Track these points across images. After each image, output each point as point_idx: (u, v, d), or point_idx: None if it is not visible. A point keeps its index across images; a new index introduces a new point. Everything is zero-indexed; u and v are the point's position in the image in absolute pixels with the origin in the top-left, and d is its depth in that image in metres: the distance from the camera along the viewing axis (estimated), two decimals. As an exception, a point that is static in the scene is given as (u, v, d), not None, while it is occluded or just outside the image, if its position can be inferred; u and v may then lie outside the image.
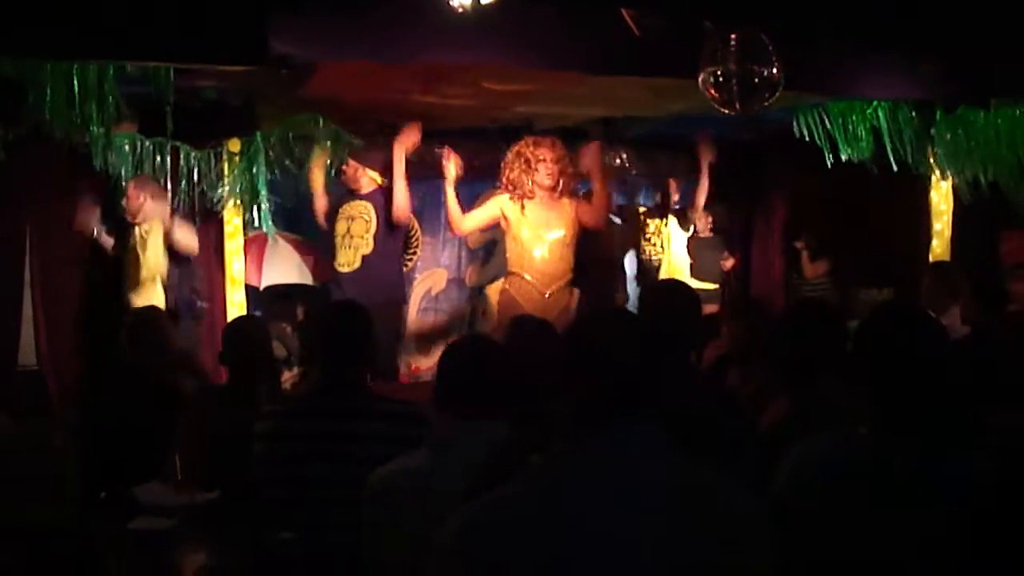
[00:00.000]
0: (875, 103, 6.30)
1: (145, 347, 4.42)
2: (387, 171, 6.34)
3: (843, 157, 6.32)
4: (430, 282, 7.59)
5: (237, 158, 6.13)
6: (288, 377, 6.39)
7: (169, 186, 6.00)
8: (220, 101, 5.81)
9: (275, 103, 5.98)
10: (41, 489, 3.91)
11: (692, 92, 4.99)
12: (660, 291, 3.67)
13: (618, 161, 7.88)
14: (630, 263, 8.04)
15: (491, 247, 7.15)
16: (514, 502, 1.65)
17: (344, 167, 6.22)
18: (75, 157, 5.45)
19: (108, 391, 4.34)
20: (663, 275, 7.43)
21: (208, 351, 5.94)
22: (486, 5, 4.31)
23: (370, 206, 6.24)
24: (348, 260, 6.17)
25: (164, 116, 5.03)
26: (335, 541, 2.83)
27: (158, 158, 5.94)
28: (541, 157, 6.00)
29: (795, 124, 6.32)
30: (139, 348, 4.43)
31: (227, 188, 6.13)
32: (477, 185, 7.19)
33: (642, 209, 7.95)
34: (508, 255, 6.16)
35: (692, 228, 7.75)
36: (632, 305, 7.05)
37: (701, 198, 7.47)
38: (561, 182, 6.07)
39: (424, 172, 7.25)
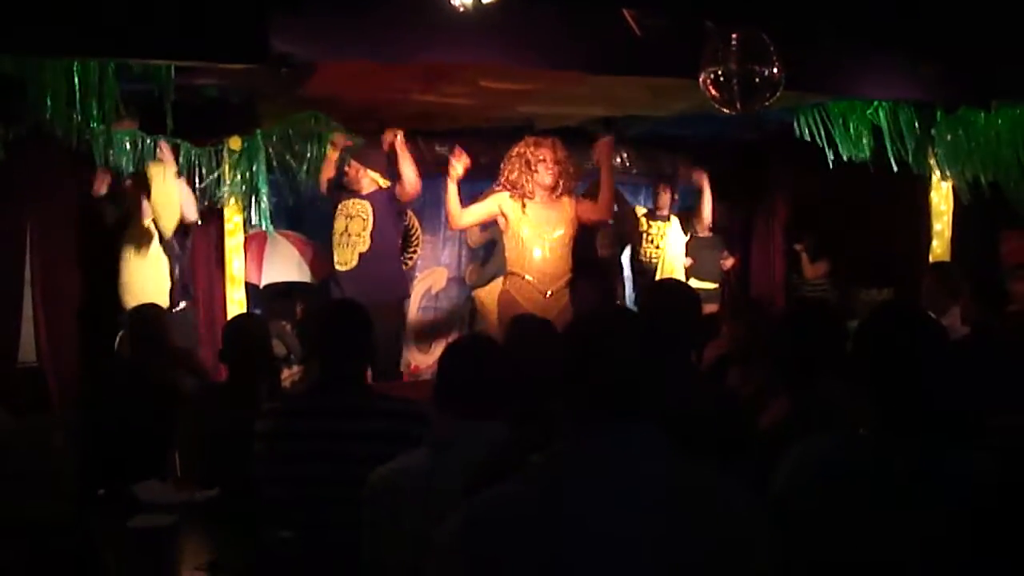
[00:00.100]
0: (876, 103, 6.30)
1: (145, 345, 4.42)
2: (388, 171, 6.35)
3: (844, 157, 6.33)
4: (430, 280, 7.59)
5: (237, 156, 6.13)
6: (288, 375, 6.40)
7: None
8: (221, 99, 5.82)
9: (276, 101, 5.98)
10: (40, 486, 3.91)
11: (693, 92, 4.99)
12: (660, 291, 3.67)
13: (618, 160, 7.89)
14: (626, 262, 8.03)
15: (491, 247, 7.15)
16: (514, 501, 1.65)
17: (346, 168, 6.22)
18: (76, 155, 5.45)
19: (108, 388, 4.34)
20: (660, 275, 7.42)
21: (208, 349, 5.94)
22: (487, 4, 4.31)
23: (368, 205, 6.24)
24: (346, 259, 6.18)
25: (165, 114, 5.02)
26: (335, 540, 2.83)
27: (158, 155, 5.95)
28: (541, 157, 6.00)
29: (796, 124, 6.32)
30: (139, 346, 4.43)
31: (227, 186, 6.14)
32: (478, 184, 7.18)
33: (642, 210, 7.94)
34: (507, 255, 6.16)
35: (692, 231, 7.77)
36: (629, 304, 7.06)
37: (707, 210, 7.51)
38: (561, 183, 6.07)
39: (424, 170, 7.25)
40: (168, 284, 5.93)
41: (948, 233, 6.82)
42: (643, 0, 4.90)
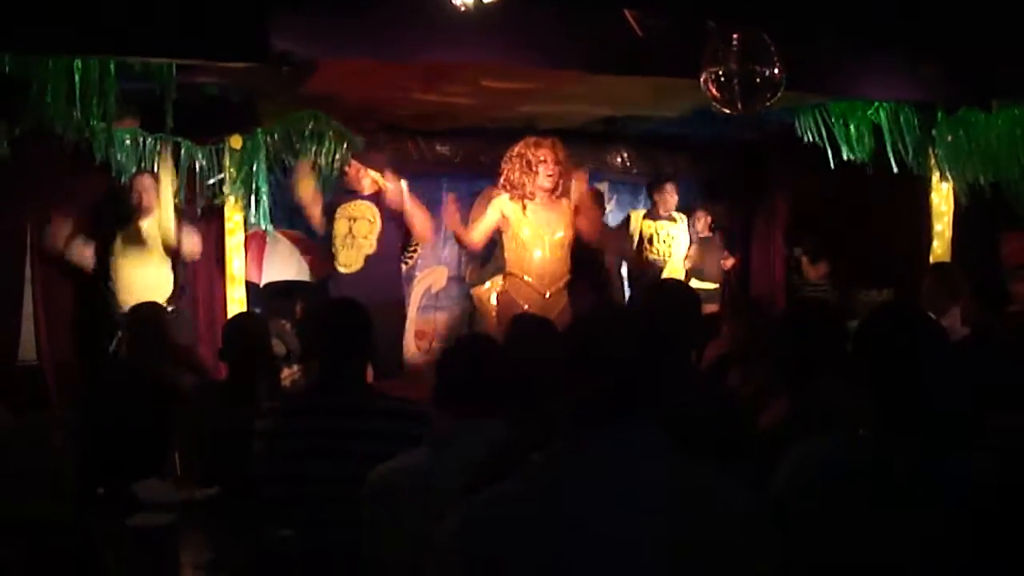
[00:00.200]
0: (876, 104, 6.30)
1: (144, 343, 4.42)
2: (388, 172, 6.35)
3: (844, 158, 6.33)
4: (430, 280, 7.59)
5: (238, 155, 6.13)
6: (288, 374, 6.39)
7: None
8: (221, 97, 5.82)
9: (276, 100, 5.99)
10: (40, 484, 3.91)
11: (694, 92, 4.99)
12: (659, 291, 3.66)
13: (619, 160, 7.88)
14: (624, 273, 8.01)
15: (491, 247, 7.15)
16: (514, 500, 1.65)
17: (346, 168, 6.21)
18: (77, 153, 5.45)
19: (107, 387, 4.33)
20: (667, 276, 7.40)
21: (208, 348, 5.94)
22: (488, 4, 4.31)
23: (373, 207, 6.23)
24: (350, 260, 6.16)
25: (165, 112, 5.02)
26: (334, 539, 2.83)
27: (159, 154, 5.95)
28: (542, 158, 5.99)
29: (796, 124, 6.32)
30: (138, 344, 4.43)
31: (228, 185, 6.14)
32: (478, 182, 7.20)
33: (640, 213, 7.90)
34: (507, 255, 6.15)
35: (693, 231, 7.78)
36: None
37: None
38: (561, 183, 6.06)
39: (424, 169, 7.26)
40: (168, 284, 5.92)
41: (948, 234, 6.82)
42: (644, 0, 4.90)
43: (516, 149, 6.06)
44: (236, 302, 6.24)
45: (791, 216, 8.09)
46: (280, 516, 2.98)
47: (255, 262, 6.76)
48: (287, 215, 6.78)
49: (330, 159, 6.24)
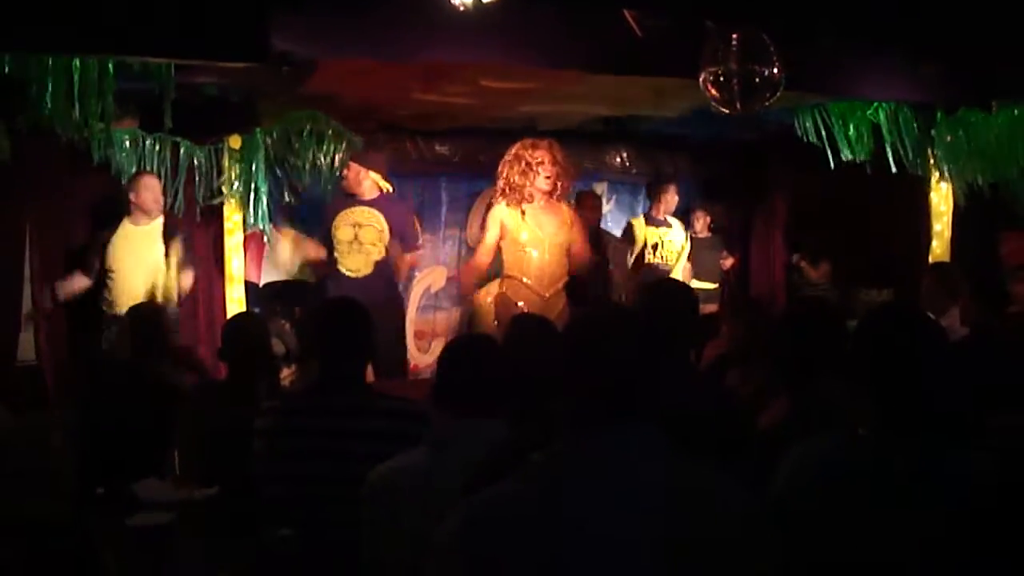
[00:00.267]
0: (876, 104, 6.30)
1: (144, 343, 4.42)
2: (388, 174, 6.36)
3: (843, 158, 6.33)
4: (430, 279, 7.59)
5: (237, 154, 6.13)
6: (286, 374, 6.39)
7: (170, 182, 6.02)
8: (220, 97, 5.81)
9: (275, 100, 5.98)
10: (39, 484, 3.91)
11: (693, 92, 4.99)
12: (658, 291, 3.66)
13: (618, 160, 7.88)
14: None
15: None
16: (513, 501, 1.65)
17: (345, 171, 6.21)
18: (76, 153, 5.45)
19: (107, 387, 4.33)
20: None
21: (207, 348, 5.94)
22: (487, 4, 4.31)
23: (378, 214, 6.25)
24: (358, 265, 6.17)
25: (164, 112, 5.02)
26: (334, 538, 2.83)
27: (158, 154, 5.95)
28: (539, 160, 5.99)
29: (796, 124, 6.32)
30: (138, 344, 4.43)
31: (227, 184, 6.14)
32: (477, 182, 7.20)
33: (639, 221, 7.85)
34: (505, 257, 6.14)
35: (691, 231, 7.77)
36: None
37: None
38: (559, 184, 6.06)
39: (423, 169, 7.26)
40: (165, 282, 5.92)
41: (948, 234, 6.82)
42: (644, 0, 4.90)
43: (513, 151, 6.06)
44: (235, 302, 6.24)
45: (790, 216, 8.10)
46: (280, 516, 2.98)
47: (254, 262, 6.75)
48: (287, 214, 6.77)
49: (329, 159, 6.24)
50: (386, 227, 6.24)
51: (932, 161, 6.55)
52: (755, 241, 8.35)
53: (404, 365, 6.84)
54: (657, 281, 5.47)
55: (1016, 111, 6.27)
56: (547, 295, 6.01)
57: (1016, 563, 1.87)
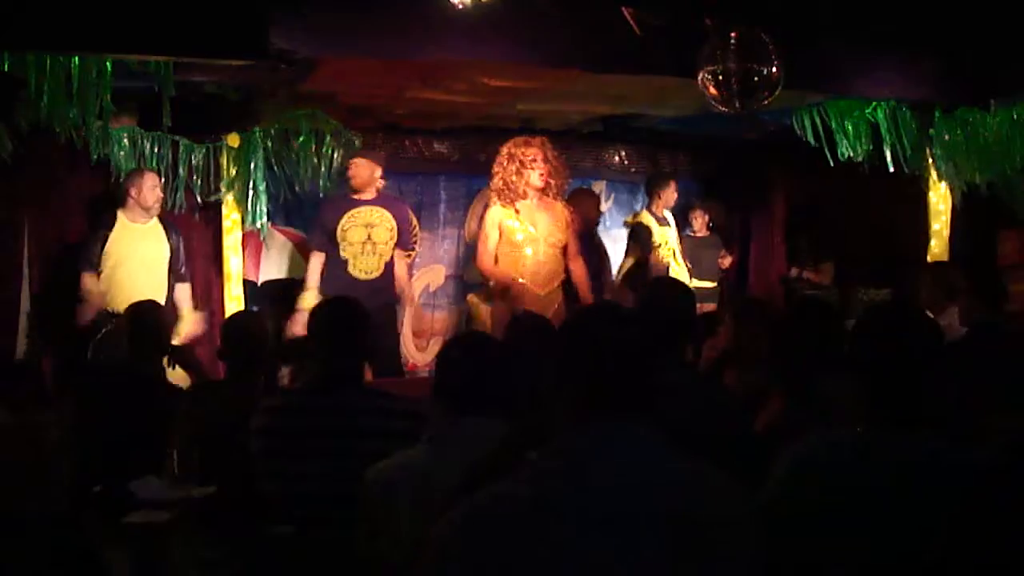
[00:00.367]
0: (874, 103, 6.30)
1: (142, 341, 4.41)
2: (386, 172, 6.36)
3: (841, 157, 6.33)
4: (428, 278, 7.58)
5: (235, 153, 6.13)
6: (285, 373, 6.38)
7: (169, 180, 6.03)
8: (219, 96, 5.81)
9: (274, 98, 5.98)
10: (37, 482, 3.90)
11: (692, 90, 4.99)
12: (655, 289, 3.66)
13: (617, 159, 7.88)
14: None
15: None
16: (511, 500, 1.65)
17: (355, 169, 6.19)
18: (74, 151, 5.44)
19: (105, 385, 4.33)
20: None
21: (205, 346, 5.94)
22: (486, 2, 4.31)
23: (387, 213, 6.24)
24: (371, 267, 6.16)
25: (163, 110, 5.02)
26: (331, 536, 2.83)
27: (157, 152, 5.95)
28: (532, 157, 5.98)
29: (794, 123, 6.32)
30: (136, 342, 4.42)
31: (225, 183, 6.14)
32: (476, 181, 7.19)
33: (645, 214, 7.84)
34: (499, 257, 6.13)
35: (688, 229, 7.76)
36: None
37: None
38: (552, 182, 6.05)
39: (423, 167, 7.25)
40: (164, 282, 5.92)
41: (946, 233, 6.82)
42: (643, -1, 4.91)
43: (506, 150, 6.04)
44: (234, 300, 6.23)
45: (788, 215, 8.10)
46: (278, 514, 2.98)
47: (253, 260, 6.75)
48: (285, 213, 6.78)
49: (328, 158, 6.25)
50: (395, 226, 6.24)
51: (930, 160, 6.55)
52: (754, 240, 8.35)
53: (401, 365, 6.84)
54: (655, 279, 5.47)
55: (1015, 110, 6.28)
56: (542, 293, 6.00)
57: (1014, 562, 1.86)
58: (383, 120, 6.79)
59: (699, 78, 4.80)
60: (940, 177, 6.63)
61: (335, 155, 6.26)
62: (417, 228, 7.44)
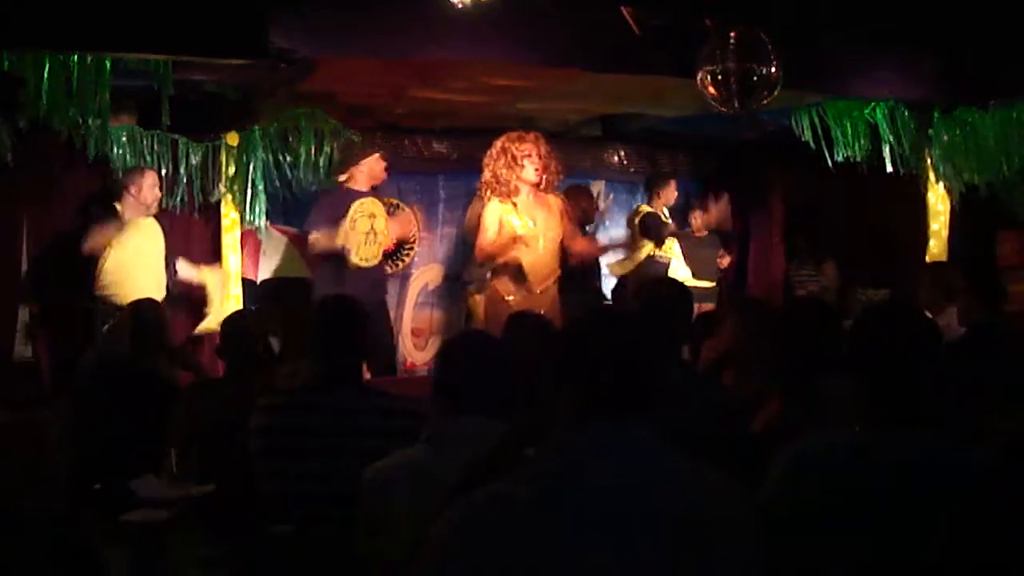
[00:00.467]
0: (873, 103, 6.30)
1: (143, 339, 4.42)
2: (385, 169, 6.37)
3: (839, 157, 6.33)
4: (427, 277, 7.58)
5: (235, 152, 6.13)
6: (283, 372, 6.38)
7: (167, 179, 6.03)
8: (218, 94, 5.81)
9: (273, 97, 5.98)
10: (36, 480, 3.90)
11: (692, 90, 5.00)
12: (652, 289, 3.67)
13: (616, 159, 7.87)
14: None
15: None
16: (509, 499, 1.65)
17: (376, 166, 6.21)
18: (73, 149, 5.45)
19: (105, 383, 4.33)
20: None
21: (204, 345, 5.94)
22: (485, 2, 4.32)
23: (380, 203, 6.26)
24: (371, 255, 6.19)
25: (162, 109, 5.02)
26: (330, 535, 2.83)
27: (156, 151, 5.95)
28: (526, 152, 5.96)
29: (793, 123, 6.32)
30: (136, 341, 4.42)
31: (224, 182, 6.14)
32: (476, 180, 7.18)
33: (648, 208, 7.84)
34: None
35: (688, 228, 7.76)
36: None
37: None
38: (545, 178, 6.05)
39: (422, 166, 7.25)
40: (163, 276, 5.93)
41: (945, 233, 6.83)
42: (643, -2, 4.91)
43: (499, 145, 6.02)
44: (232, 299, 6.23)
45: (788, 215, 8.11)
46: (276, 512, 2.98)
47: (252, 259, 6.75)
48: (284, 211, 6.78)
49: (326, 156, 6.25)
50: (385, 214, 6.28)
51: (929, 161, 6.56)
52: (752, 240, 8.36)
53: (395, 363, 6.85)
54: (653, 279, 5.47)
55: (1014, 110, 6.28)
56: (538, 291, 5.99)
57: (1013, 562, 1.87)
58: (382, 119, 6.79)
59: (698, 78, 4.81)
60: (939, 177, 6.63)
61: (334, 154, 6.27)
62: (415, 225, 7.45)
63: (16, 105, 4.73)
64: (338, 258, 6.07)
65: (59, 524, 3.30)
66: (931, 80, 5.98)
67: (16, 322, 5.83)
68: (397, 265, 7.30)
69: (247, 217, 6.23)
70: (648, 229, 7.39)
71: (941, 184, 6.69)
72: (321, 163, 6.29)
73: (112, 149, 5.74)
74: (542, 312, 5.20)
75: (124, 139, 5.82)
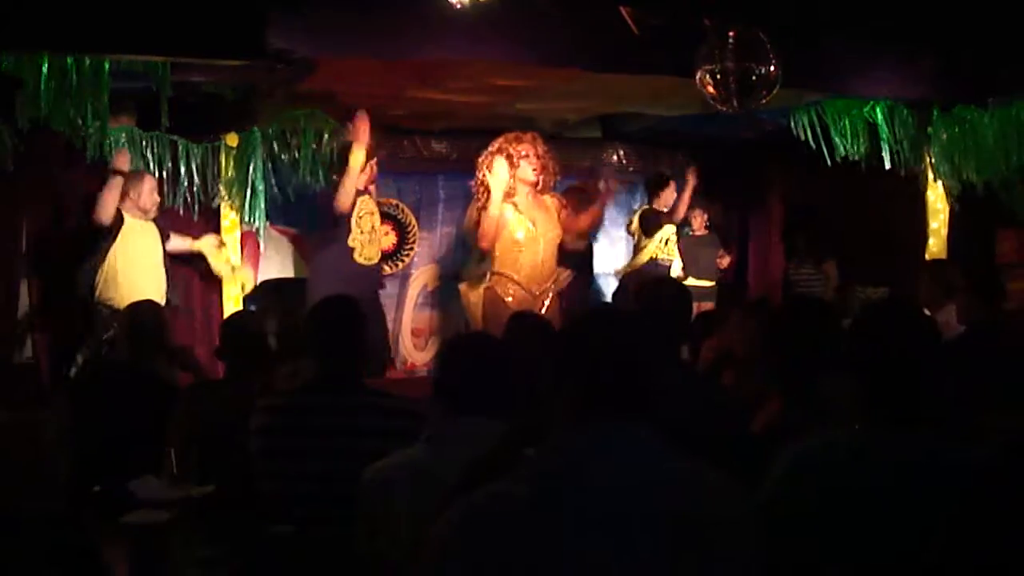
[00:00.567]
0: (872, 102, 6.30)
1: (142, 341, 4.41)
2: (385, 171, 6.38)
3: (840, 156, 6.33)
4: (426, 277, 7.59)
5: (234, 152, 6.13)
6: (283, 372, 6.38)
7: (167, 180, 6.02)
8: (217, 95, 5.81)
9: (272, 98, 5.98)
10: (36, 481, 3.90)
11: (691, 90, 5.00)
12: (651, 288, 3.67)
13: (615, 159, 7.88)
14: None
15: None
16: (509, 499, 1.65)
17: (372, 164, 6.22)
18: (72, 150, 5.45)
19: (105, 384, 4.33)
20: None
21: (204, 346, 5.94)
22: (484, 2, 4.32)
23: (373, 201, 6.29)
24: (372, 254, 6.22)
25: (161, 110, 5.02)
26: (330, 536, 2.83)
27: (155, 152, 5.95)
28: (524, 153, 5.97)
29: (792, 122, 6.32)
30: (136, 342, 4.42)
31: (224, 183, 6.14)
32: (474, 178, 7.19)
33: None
34: (497, 254, 6.12)
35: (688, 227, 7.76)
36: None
37: (682, 209, 7.51)
38: (542, 179, 6.05)
39: (421, 166, 7.26)
40: (164, 277, 5.92)
41: (944, 231, 6.83)
42: (642, -2, 4.92)
43: (496, 145, 6.03)
44: (232, 300, 6.24)
45: (787, 214, 8.11)
46: (276, 513, 2.98)
47: (251, 260, 6.75)
48: (284, 212, 6.78)
49: (326, 158, 6.25)
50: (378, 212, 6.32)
51: (928, 159, 6.56)
52: (752, 239, 8.36)
53: (386, 364, 6.85)
54: (653, 279, 5.48)
55: (1012, 108, 6.28)
56: (537, 292, 6.00)
57: (1012, 560, 1.87)
58: (381, 120, 6.79)
59: (697, 77, 4.81)
60: (938, 176, 6.63)
61: (334, 154, 6.27)
62: (415, 225, 7.46)
63: (15, 107, 4.73)
64: (338, 258, 6.07)
65: (59, 525, 3.30)
66: (930, 79, 5.98)
67: (15, 323, 5.83)
68: (397, 265, 7.32)
69: (246, 218, 6.23)
70: (646, 222, 7.42)
71: (940, 183, 6.70)
72: (320, 163, 6.29)
73: (111, 151, 5.73)
74: (541, 312, 5.22)
75: (123, 141, 5.82)
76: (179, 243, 6.10)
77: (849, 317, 2.49)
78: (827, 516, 2.05)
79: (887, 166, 6.42)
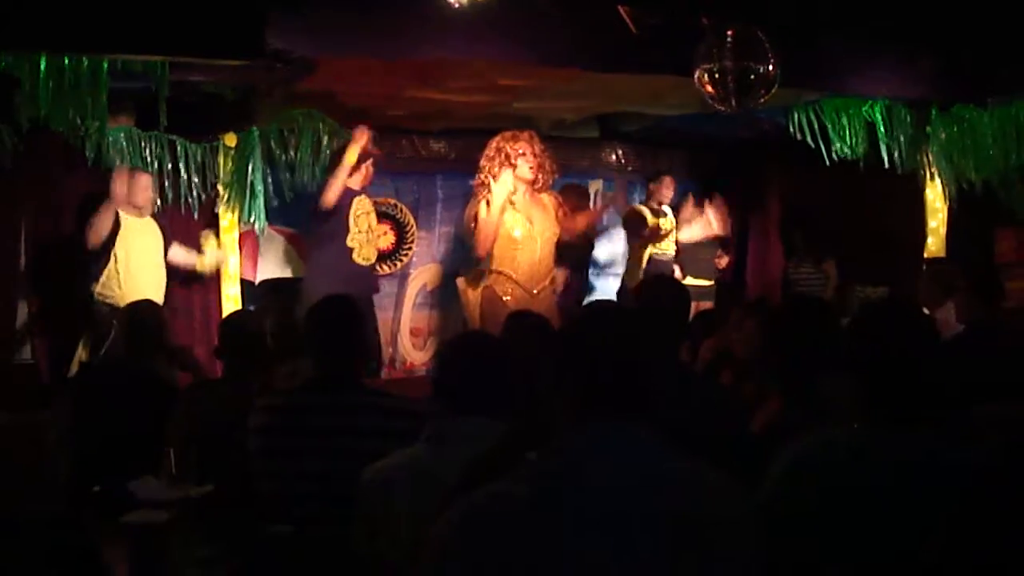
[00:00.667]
0: (870, 101, 6.31)
1: (141, 341, 4.41)
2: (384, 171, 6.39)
3: (836, 156, 6.33)
4: (425, 277, 7.58)
5: (233, 152, 6.13)
6: (282, 372, 6.38)
7: (166, 180, 6.02)
8: (216, 95, 5.81)
9: (271, 98, 5.98)
10: (36, 482, 3.90)
11: (689, 89, 5.00)
12: (650, 287, 3.67)
13: (614, 158, 7.88)
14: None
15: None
16: (509, 499, 1.65)
17: (368, 164, 6.22)
18: (71, 150, 5.44)
19: (104, 385, 4.33)
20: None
21: (203, 346, 5.94)
22: (483, 2, 4.32)
23: (369, 201, 6.29)
24: (370, 254, 6.23)
25: (159, 110, 5.01)
26: (330, 535, 2.83)
27: (154, 152, 5.95)
28: (521, 151, 5.97)
29: (790, 122, 6.32)
30: (135, 342, 4.42)
31: (222, 182, 6.13)
32: (473, 178, 7.18)
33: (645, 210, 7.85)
34: (495, 253, 6.11)
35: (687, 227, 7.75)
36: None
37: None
38: (540, 177, 6.05)
39: (420, 166, 7.25)
40: (164, 275, 5.93)
41: (943, 230, 6.84)
42: (640, -2, 4.92)
43: (494, 144, 6.04)
44: (231, 300, 6.23)
45: (786, 214, 8.11)
46: (275, 513, 2.98)
47: (250, 259, 6.75)
48: (283, 212, 6.77)
49: (325, 158, 6.25)
50: (375, 212, 6.32)
51: (927, 158, 6.56)
52: (752, 239, 8.36)
53: (380, 363, 6.85)
54: (652, 278, 5.48)
55: (1011, 108, 6.29)
56: (535, 291, 6.00)
57: (1012, 558, 1.87)
58: (380, 120, 6.79)
59: (696, 76, 4.81)
60: (936, 175, 6.64)
61: (333, 154, 6.27)
62: (413, 225, 7.46)
63: (13, 106, 4.73)
64: (336, 258, 6.07)
65: (59, 525, 3.31)
66: (929, 78, 5.98)
67: (16, 323, 5.83)
68: (395, 265, 7.32)
69: (245, 218, 6.23)
70: (628, 225, 7.44)
71: (939, 182, 6.70)
72: (319, 163, 6.29)
73: (110, 151, 5.73)
74: (542, 312, 5.21)
75: (122, 141, 5.82)
76: (182, 256, 6.09)
77: (849, 317, 2.49)
78: (827, 516, 2.05)
79: (886, 165, 6.43)
